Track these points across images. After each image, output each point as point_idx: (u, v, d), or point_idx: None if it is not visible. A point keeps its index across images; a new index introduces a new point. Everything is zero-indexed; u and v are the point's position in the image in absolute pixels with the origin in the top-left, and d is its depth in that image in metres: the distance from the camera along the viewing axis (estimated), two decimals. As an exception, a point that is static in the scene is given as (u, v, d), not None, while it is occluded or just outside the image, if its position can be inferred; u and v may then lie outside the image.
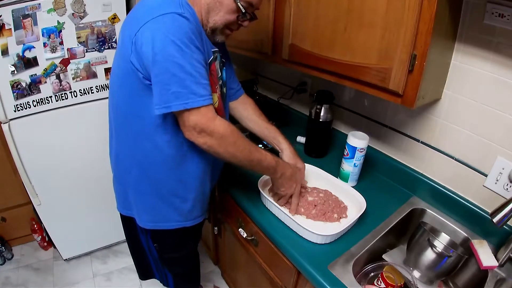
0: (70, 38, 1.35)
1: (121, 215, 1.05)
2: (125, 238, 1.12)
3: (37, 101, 1.39)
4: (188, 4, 0.80)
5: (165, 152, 0.86)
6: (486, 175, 0.97)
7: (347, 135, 1.13)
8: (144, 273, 1.21)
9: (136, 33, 0.74)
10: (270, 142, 1.12)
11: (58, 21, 1.30)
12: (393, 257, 1.04)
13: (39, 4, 1.24)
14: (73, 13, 1.32)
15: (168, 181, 0.91)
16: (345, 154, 1.14)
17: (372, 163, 1.27)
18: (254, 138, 1.14)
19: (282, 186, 0.98)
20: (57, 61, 1.36)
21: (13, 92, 1.32)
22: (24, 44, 1.27)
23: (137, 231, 1.02)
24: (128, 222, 1.04)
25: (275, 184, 0.99)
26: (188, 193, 0.95)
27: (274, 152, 1.05)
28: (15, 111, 1.36)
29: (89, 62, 1.44)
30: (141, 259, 1.14)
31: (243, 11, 0.83)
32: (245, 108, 1.14)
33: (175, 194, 0.94)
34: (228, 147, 0.82)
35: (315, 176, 1.16)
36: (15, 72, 1.29)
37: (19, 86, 1.32)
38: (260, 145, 1.24)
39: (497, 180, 0.94)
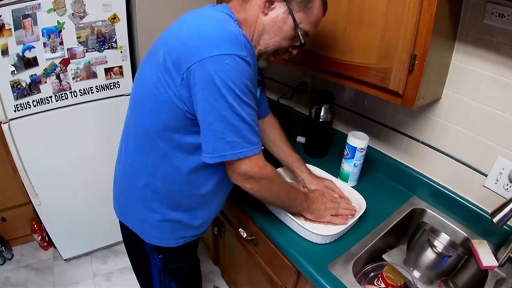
0: (70, 38, 1.35)
1: (120, 223, 1.01)
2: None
3: (37, 101, 1.39)
4: (245, 36, 0.70)
5: (188, 177, 0.83)
6: (486, 175, 0.97)
7: (347, 135, 1.13)
8: (145, 283, 1.18)
9: (189, 68, 0.67)
10: (292, 170, 1.11)
11: (58, 21, 1.30)
12: (393, 257, 1.04)
13: (39, 4, 1.24)
14: (73, 13, 1.32)
15: (183, 203, 0.89)
16: (345, 154, 1.14)
17: (372, 163, 1.27)
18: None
19: (322, 206, 0.97)
20: (57, 61, 1.36)
21: (13, 92, 1.32)
22: (24, 44, 1.27)
23: (140, 240, 0.98)
24: (129, 230, 0.99)
25: (317, 214, 0.97)
26: (203, 213, 0.94)
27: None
28: (15, 111, 1.36)
29: (89, 62, 1.44)
30: (143, 267, 1.09)
31: (303, 41, 0.79)
32: (272, 132, 1.12)
33: (189, 215, 0.91)
34: (275, 190, 0.85)
35: (315, 176, 1.16)
36: (15, 72, 1.29)
37: (19, 86, 1.32)
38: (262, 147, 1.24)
39: (497, 180, 0.94)
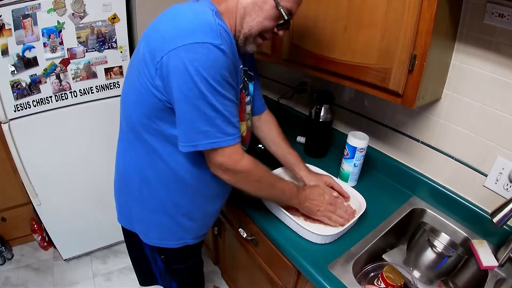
0: (70, 38, 1.35)
1: (122, 227, 1.01)
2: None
3: (37, 101, 1.39)
4: (224, 24, 0.72)
5: (179, 173, 0.83)
6: (486, 175, 0.97)
7: (347, 135, 1.13)
8: (145, 281, 1.18)
9: (163, 57, 0.67)
10: (290, 167, 1.11)
11: (58, 21, 1.30)
12: (393, 257, 1.04)
13: (39, 4, 1.24)
14: (73, 13, 1.32)
15: (179, 202, 0.88)
16: (345, 154, 1.14)
17: (372, 163, 1.27)
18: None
19: (315, 206, 0.95)
20: (57, 61, 1.36)
21: (13, 92, 1.32)
22: (24, 44, 1.27)
23: (141, 242, 0.98)
24: (130, 233, 1.00)
25: (309, 211, 0.95)
26: (199, 213, 0.94)
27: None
28: (15, 111, 1.36)
29: (89, 62, 1.44)
30: (144, 268, 1.11)
31: (286, 18, 0.78)
32: (269, 129, 1.11)
33: (186, 215, 0.91)
34: (253, 183, 0.84)
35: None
36: (15, 72, 1.29)
37: (19, 86, 1.32)
38: (260, 145, 1.24)
39: (497, 180, 0.94)
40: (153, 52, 0.70)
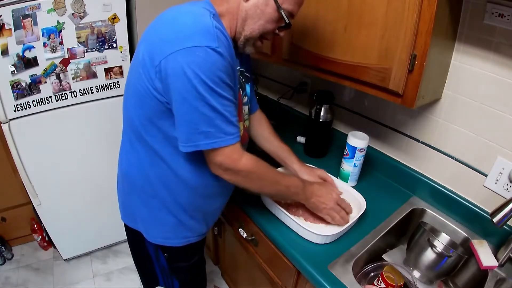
0: (70, 38, 1.35)
1: (125, 225, 1.02)
2: (125, 239, 1.11)
3: (37, 101, 1.39)
4: (222, 25, 0.73)
5: (179, 173, 0.84)
6: (486, 175, 0.97)
7: (347, 135, 1.13)
8: (149, 283, 1.19)
9: (161, 61, 0.69)
10: (283, 161, 1.10)
11: (58, 21, 1.30)
12: (393, 257, 1.04)
13: (39, 4, 1.24)
14: (73, 13, 1.32)
15: (180, 201, 0.89)
16: (345, 154, 1.14)
17: (372, 163, 1.27)
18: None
19: (322, 204, 0.94)
20: (57, 61, 1.36)
21: (13, 92, 1.32)
22: (24, 44, 1.27)
23: (143, 240, 0.99)
24: (133, 231, 1.00)
25: (315, 207, 0.94)
26: (199, 212, 0.94)
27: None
28: (15, 111, 1.36)
29: (89, 62, 1.44)
30: (147, 267, 1.11)
31: (287, 21, 0.79)
32: (260, 126, 1.12)
33: (187, 213, 0.91)
34: (255, 182, 0.84)
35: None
36: (15, 72, 1.29)
37: (19, 86, 1.32)
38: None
39: (497, 180, 0.94)
40: (152, 55, 0.71)
